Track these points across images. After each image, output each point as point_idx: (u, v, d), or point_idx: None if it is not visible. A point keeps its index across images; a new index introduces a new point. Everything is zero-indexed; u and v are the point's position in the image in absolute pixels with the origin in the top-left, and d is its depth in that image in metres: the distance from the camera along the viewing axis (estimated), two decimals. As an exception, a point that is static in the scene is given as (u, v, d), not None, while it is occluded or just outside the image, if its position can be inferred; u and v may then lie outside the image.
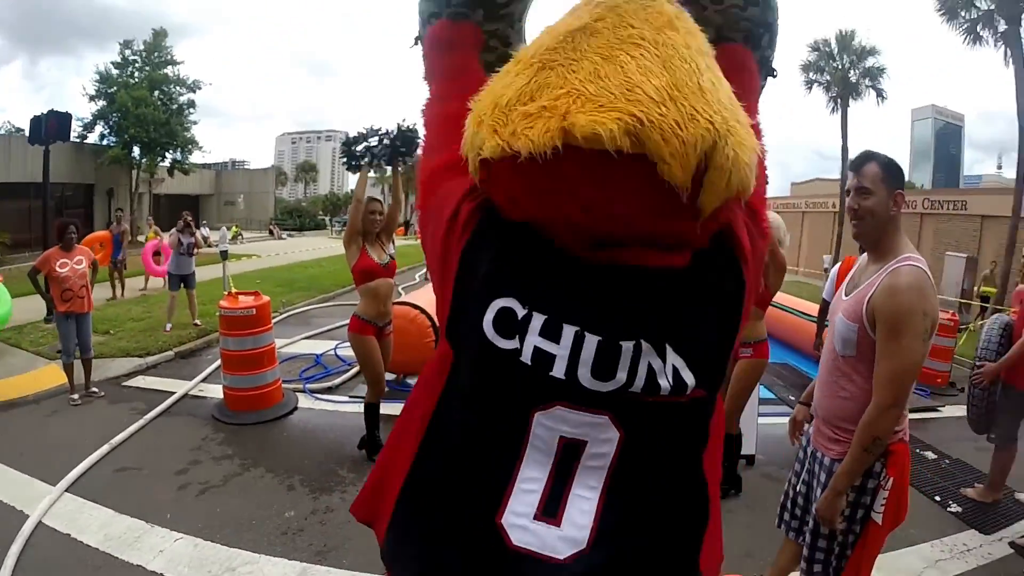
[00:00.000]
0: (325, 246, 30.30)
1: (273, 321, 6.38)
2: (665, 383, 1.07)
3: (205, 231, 23.54)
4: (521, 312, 1.09)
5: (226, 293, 6.37)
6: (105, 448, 4.96)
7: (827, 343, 2.44)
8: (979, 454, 5.28)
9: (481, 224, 1.16)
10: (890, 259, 2.18)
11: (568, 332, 1.07)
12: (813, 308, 8.73)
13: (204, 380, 6.97)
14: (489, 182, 1.08)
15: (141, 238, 18.23)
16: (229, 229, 23.33)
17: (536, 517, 1.10)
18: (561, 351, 1.06)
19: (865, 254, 2.41)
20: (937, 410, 7.30)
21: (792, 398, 6.97)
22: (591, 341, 1.06)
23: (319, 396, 6.60)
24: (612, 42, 1.00)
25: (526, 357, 1.07)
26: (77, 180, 30.27)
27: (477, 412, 1.16)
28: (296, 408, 6.18)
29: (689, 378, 1.09)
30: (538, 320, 1.08)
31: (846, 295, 2.34)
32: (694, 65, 1.00)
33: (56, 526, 3.85)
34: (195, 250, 9.67)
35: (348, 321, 5.01)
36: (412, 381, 6.91)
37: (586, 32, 1.02)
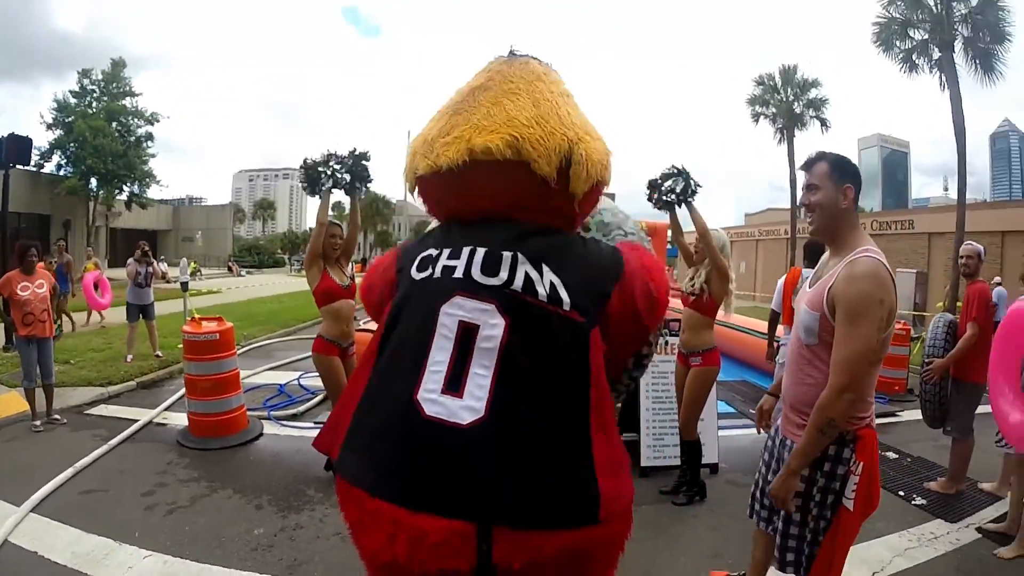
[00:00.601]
0: (284, 283, 30.16)
1: (236, 354, 6.38)
2: (542, 290, 1.50)
3: (163, 266, 23.25)
4: (435, 253, 1.62)
5: (188, 319, 6.34)
6: (70, 471, 4.92)
7: (792, 333, 2.52)
8: (939, 451, 5.51)
9: (401, 251, 1.78)
10: (848, 251, 2.28)
11: (466, 250, 1.57)
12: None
13: (168, 409, 6.91)
14: (422, 193, 1.74)
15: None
16: (188, 264, 23.02)
17: (443, 391, 1.45)
18: (460, 263, 1.56)
19: (826, 254, 2.51)
20: (896, 415, 7.64)
21: (751, 411, 7.17)
22: (480, 252, 1.55)
23: (284, 423, 6.60)
24: (499, 94, 1.62)
25: (436, 273, 1.57)
26: (33, 210, 29.70)
27: (401, 327, 1.59)
28: (262, 434, 6.16)
29: (565, 296, 1.51)
30: (445, 252, 1.60)
31: (810, 287, 2.43)
32: (555, 102, 1.63)
33: (23, 544, 3.83)
34: (153, 280, 9.61)
35: (309, 354, 5.09)
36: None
37: (481, 88, 1.65)
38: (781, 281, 5.63)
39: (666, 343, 5.43)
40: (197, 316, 6.32)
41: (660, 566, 3.81)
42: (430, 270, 1.59)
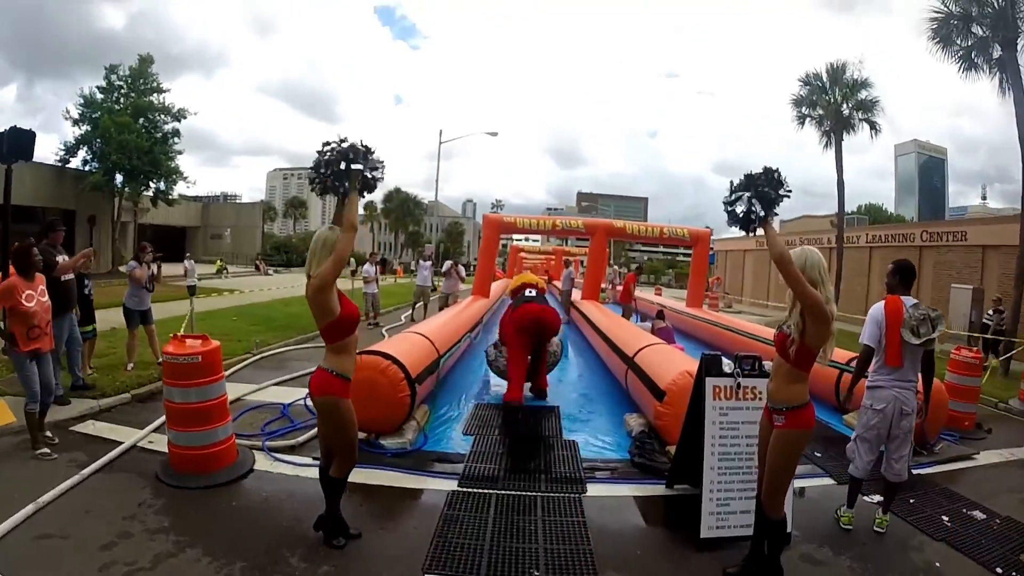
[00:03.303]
0: (310, 282, 29.36)
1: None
2: (549, 300, 9.90)
3: (189, 263, 22.70)
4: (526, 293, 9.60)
5: (172, 336, 5.44)
6: (31, 507, 4.30)
7: None
8: (1026, 508, 4.62)
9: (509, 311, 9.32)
10: None
11: (532, 291, 9.53)
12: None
13: (156, 431, 6.15)
14: (512, 295, 9.78)
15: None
16: (214, 263, 22.24)
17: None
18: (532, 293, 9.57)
19: None
20: (972, 458, 6.74)
21: (818, 455, 6.17)
22: (534, 291, 9.43)
23: (279, 457, 5.77)
24: (526, 280, 9.80)
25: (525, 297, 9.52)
26: (57, 205, 29.44)
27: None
28: (252, 470, 5.37)
29: (553, 304, 10.41)
30: (526, 292, 9.46)
31: None
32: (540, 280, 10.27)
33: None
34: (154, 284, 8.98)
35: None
36: (385, 442, 6.14)
37: (521, 280, 9.86)
38: (875, 311, 4.63)
39: (738, 386, 4.49)
40: (180, 334, 5.45)
41: None
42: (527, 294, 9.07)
